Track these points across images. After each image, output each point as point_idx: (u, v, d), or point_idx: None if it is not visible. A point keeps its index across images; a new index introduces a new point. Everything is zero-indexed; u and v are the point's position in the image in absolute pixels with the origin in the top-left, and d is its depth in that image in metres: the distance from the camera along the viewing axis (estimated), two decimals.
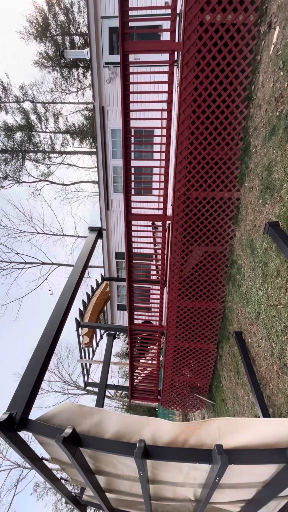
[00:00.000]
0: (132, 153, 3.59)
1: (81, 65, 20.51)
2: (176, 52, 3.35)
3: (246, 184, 3.56)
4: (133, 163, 3.65)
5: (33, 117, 21.29)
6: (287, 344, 2.78)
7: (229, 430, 1.33)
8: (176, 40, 2.95)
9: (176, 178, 3.71)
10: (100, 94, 6.55)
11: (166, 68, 5.24)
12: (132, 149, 3.57)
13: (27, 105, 21.32)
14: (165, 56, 3.14)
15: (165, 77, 5.85)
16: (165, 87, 5.91)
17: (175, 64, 3.23)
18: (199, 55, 3.01)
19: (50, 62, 21.18)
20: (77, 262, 2.88)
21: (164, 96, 4.63)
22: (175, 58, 3.16)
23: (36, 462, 1.67)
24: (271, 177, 2.92)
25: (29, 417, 1.56)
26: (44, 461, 1.76)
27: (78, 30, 20.41)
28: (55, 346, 2.05)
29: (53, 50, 20.82)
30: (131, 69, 3.23)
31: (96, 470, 1.76)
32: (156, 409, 16.43)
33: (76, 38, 20.63)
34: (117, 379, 23.78)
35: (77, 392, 21.08)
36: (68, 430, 1.30)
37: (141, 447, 1.24)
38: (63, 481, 2.08)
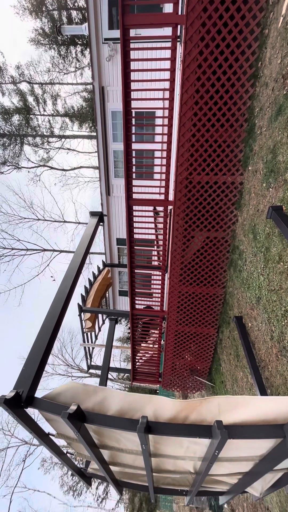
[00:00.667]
0: (133, 136, 3.50)
1: (79, 42, 19.57)
2: (179, 26, 3.17)
3: (249, 168, 3.49)
4: (134, 146, 3.56)
5: (30, 99, 20.60)
6: (286, 327, 2.82)
7: (229, 407, 1.37)
8: (180, 13, 2.79)
9: (178, 162, 3.63)
10: (100, 73, 6.29)
11: (168, 44, 5.00)
12: (133, 131, 3.47)
13: (24, 86, 20.58)
14: (168, 31, 2.98)
15: (167, 54, 5.59)
16: (167, 64, 5.65)
17: (178, 39, 3.06)
18: (204, 29, 2.85)
19: (46, 39, 20.20)
20: (79, 246, 2.89)
21: (167, 74, 4.44)
22: (178, 33, 3.00)
23: (43, 437, 1.75)
24: (275, 159, 2.85)
25: (35, 396, 1.62)
26: (51, 437, 1.84)
27: (76, 4, 19.33)
28: (59, 328, 2.09)
29: (49, 26, 19.80)
30: (132, 45, 3.07)
31: (100, 444, 1.84)
32: (157, 391, 16.99)
33: (74, 13, 19.57)
34: (119, 362, 24.44)
35: (81, 375, 21.76)
36: (73, 407, 1.35)
37: (143, 422, 1.29)
38: (69, 455, 2.19)
